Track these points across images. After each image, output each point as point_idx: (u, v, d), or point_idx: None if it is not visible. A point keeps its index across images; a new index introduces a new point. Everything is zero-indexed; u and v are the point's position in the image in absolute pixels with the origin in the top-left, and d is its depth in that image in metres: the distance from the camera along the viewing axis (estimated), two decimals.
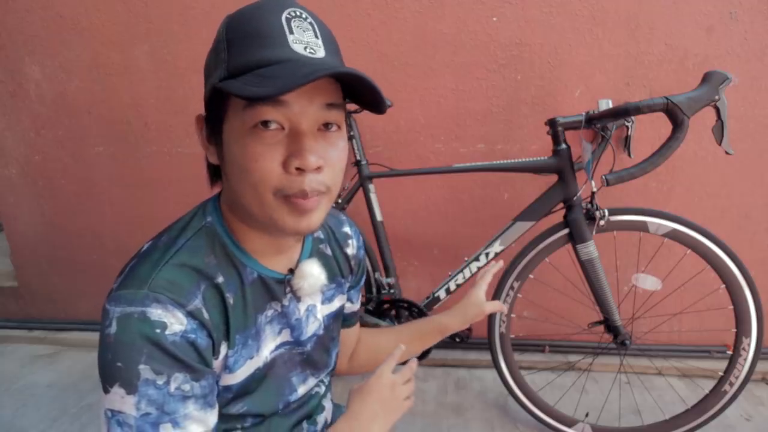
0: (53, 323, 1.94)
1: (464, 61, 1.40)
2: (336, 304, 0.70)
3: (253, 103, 0.44)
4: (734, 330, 1.14)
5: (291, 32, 0.45)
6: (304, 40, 0.46)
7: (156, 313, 0.45)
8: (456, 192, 1.53)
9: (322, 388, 0.74)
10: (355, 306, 0.79)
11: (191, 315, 0.47)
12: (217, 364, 0.52)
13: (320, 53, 0.47)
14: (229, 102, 0.47)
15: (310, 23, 0.47)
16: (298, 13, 0.47)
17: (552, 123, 1.16)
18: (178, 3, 1.46)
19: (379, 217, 1.36)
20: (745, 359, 1.13)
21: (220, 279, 0.52)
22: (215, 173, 0.57)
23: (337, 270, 0.69)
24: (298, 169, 0.46)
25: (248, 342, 0.56)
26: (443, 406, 1.45)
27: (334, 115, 0.48)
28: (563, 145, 1.16)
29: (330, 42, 0.49)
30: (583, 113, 1.15)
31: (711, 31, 1.30)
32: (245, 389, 0.58)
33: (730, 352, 1.26)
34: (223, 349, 0.53)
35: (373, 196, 1.35)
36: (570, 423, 1.28)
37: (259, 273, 0.56)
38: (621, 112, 1.03)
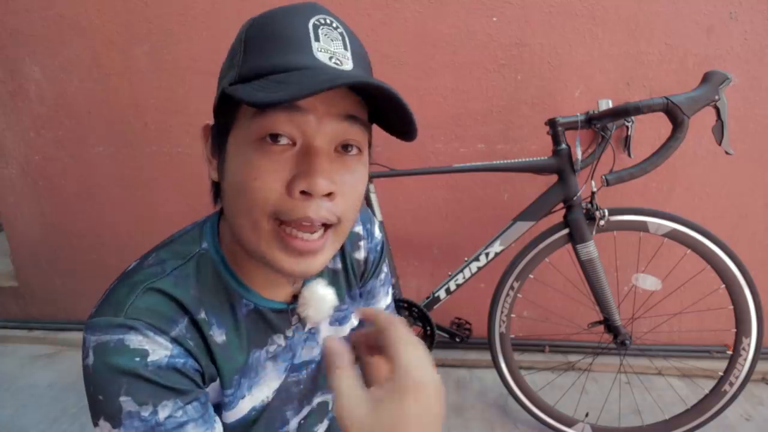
0: (53, 323, 1.94)
1: (464, 61, 1.39)
2: (347, 328, 0.63)
3: (264, 111, 0.39)
4: (734, 330, 1.14)
5: (317, 39, 0.40)
6: (330, 50, 0.40)
7: (135, 340, 0.41)
8: (456, 192, 1.53)
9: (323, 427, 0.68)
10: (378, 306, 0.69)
11: (176, 341, 0.43)
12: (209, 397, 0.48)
13: (347, 65, 0.41)
14: (238, 110, 0.42)
15: (341, 33, 0.42)
16: (328, 21, 0.41)
17: (552, 123, 1.16)
18: (178, 3, 1.46)
19: (379, 217, 1.37)
20: (745, 359, 1.13)
21: (202, 315, 0.46)
22: (219, 190, 0.51)
23: (352, 283, 0.62)
24: (303, 193, 0.39)
25: (241, 381, 0.51)
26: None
27: (354, 133, 0.42)
28: (563, 145, 1.16)
29: (360, 56, 0.44)
30: (583, 113, 1.15)
31: (711, 31, 1.30)
32: (237, 428, 0.53)
33: (730, 352, 1.26)
34: (214, 386, 0.49)
35: (373, 196, 1.35)
36: (570, 423, 1.28)
37: (255, 305, 0.51)
38: (621, 112, 1.03)
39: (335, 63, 0.40)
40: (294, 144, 0.40)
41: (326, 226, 0.43)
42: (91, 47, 1.56)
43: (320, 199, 0.40)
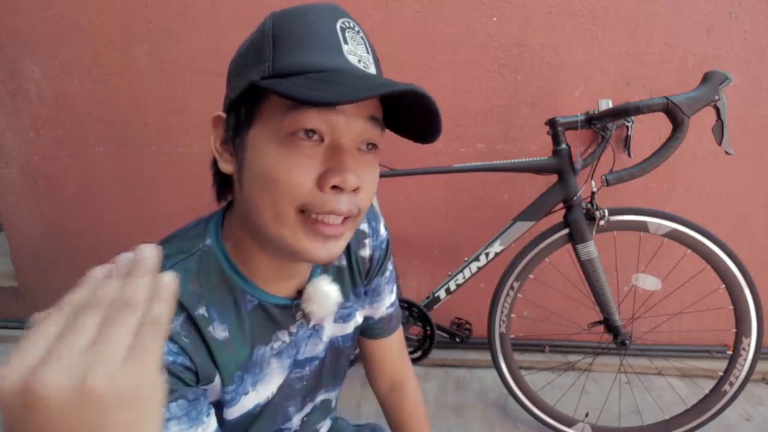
0: None
1: (464, 61, 1.39)
2: (351, 325, 0.63)
3: (300, 107, 0.40)
4: (734, 330, 1.14)
5: (346, 42, 0.43)
6: (358, 53, 0.43)
7: None
8: (456, 192, 1.53)
9: (326, 425, 0.69)
10: (379, 310, 0.69)
11: (170, 338, 0.43)
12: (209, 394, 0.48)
13: (372, 69, 0.45)
14: (264, 104, 0.43)
15: (362, 38, 0.45)
16: (351, 25, 0.44)
17: (552, 123, 1.16)
18: (178, 3, 1.46)
19: None
20: (745, 359, 1.13)
21: (201, 311, 0.47)
22: (223, 184, 0.51)
23: (356, 281, 0.63)
24: (334, 187, 0.42)
25: (244, 377, 0.51)
26: (443, 406, 1.45)
27: (375, 133, 0.45)
28: (563, 145, 1.16)
29: (377, 60, 0.47)
30: (583, 113, 1.15)
31: (711, 31, 1.30)
32: (239, 424, 0.53)
33: (730, 352, 1.26)
34: (213, 386, 0.49)
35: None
36: (570, 423, 1.28)
37: (259, 300, 0.51)
38: (621, 112, 1.03)
39: (363, 66, 0.43)
40: (322, 141, 0.42)
41: (345, 217, 0.45)
42: (91, 47, 1.55)
43: (348, 193, 0.43)
